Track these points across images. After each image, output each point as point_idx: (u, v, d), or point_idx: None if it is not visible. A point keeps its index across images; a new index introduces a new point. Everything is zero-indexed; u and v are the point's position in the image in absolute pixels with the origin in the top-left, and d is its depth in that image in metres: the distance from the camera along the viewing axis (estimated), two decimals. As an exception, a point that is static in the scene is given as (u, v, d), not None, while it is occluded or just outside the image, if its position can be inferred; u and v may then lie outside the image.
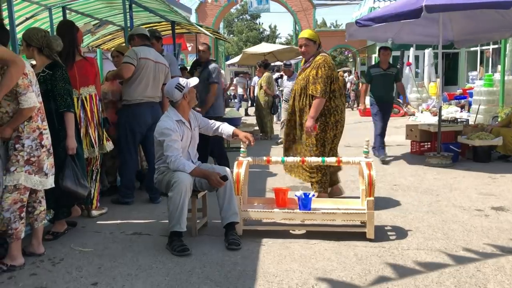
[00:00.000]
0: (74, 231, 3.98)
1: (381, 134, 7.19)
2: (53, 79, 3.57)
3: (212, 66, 6.08)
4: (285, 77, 10.06)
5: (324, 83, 4.25)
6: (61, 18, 5.99)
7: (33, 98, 3.06)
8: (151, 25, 8.50)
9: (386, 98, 7.22)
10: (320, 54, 4.39)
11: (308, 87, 4.31)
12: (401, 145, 8.60)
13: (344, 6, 27.62)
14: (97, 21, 7.55)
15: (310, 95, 4.34)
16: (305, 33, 4.47)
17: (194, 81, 3.79)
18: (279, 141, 9.17)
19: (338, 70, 22.59)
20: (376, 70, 7.23)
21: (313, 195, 3.89)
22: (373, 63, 22.64)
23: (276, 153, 7.92)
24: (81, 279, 3.02)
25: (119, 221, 4.26)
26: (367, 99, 9.36)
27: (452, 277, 2.95)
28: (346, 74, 22.04)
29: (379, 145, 7.19)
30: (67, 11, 6.37)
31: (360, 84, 21.56)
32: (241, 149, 4.00)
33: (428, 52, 16.21)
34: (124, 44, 6.35)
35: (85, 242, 3.72)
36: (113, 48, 6.76)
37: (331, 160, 3.94)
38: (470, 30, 7.63)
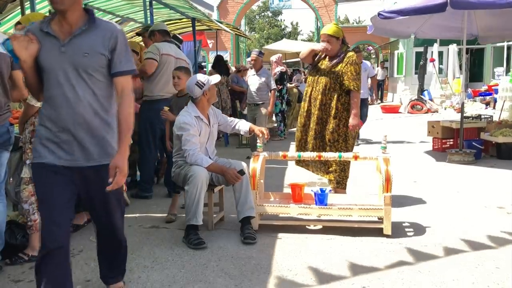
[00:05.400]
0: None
1: None
2: None
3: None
4: (250, 71, 7.79)
5: (360, 80, 4.34)
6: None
7: None
8: (172, 22, 8.59)
9: None
10: (352, 50, 4.40)
11: (349, 84, 4.24)
12: (423, 142, 8.49)
13: (367, 2, 27.21)
14: (118, 19, 7.66)
15: (337, 91, 4.29)
16: (328, 30, 4.34)
17: (215, 78, 3.81)
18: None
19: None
20: None
21: (330, 191, 3.86)
22: (396, 59, 22.26)
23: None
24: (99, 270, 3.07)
25: (137, 215, 4.32)
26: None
27: (470, 274, 2.90)
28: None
29: None
30: (89, 9, 6.48)
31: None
32: (258, 144, 4.01)
33: (452, 48, 15.90)
34: (134, 40, 6.41)
35: (104, 234, 3.78)
36: None
37: (347, 155, 3.91)
38: (495, 26, 7.45)
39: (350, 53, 4.34)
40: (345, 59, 4.31)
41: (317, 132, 4.48)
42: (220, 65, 8.73)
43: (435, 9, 5.78)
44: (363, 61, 8.52)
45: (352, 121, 4.25)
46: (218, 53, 10.92)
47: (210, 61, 24.06)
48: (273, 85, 7.23)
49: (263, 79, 7.08)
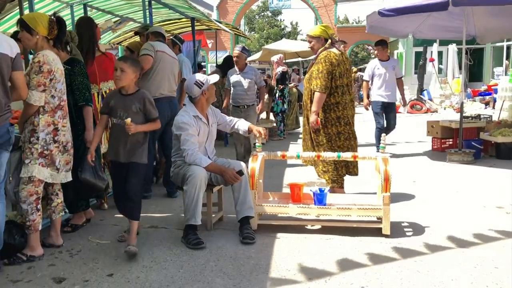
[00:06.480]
0: (92, 224, 4.05)
1: None
2: (71, 73, 3.63)
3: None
4: (233, 71, 6.38)
5: (324, 79, 4.25)
6: (83, 15, 6.10)
7: (36, 97, 3.13)
8: (171, 21, 8.59)
9: None
10: (326, 50, 4.35)
11: (311, 82, 4.33)
12: (422, 142, 8.48)
13: (367, 2, 27.18)
14: (117, 18, 7.66)
15: (311, 90, 4.37)
16: (310, 31, 4.53)
17: (214, 78, 3.80)
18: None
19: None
20: None
21: (329, 190, 3.87)
22: (395, 58, 22.25)
23: (295, 149, 7.89)
24: (98, 270, 3.07)
25: (136, 215, 4.31)
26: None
27: (469, 274, 2.90)
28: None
29: None
30: (88, 8, 6.48)
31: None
32: (256, 144, 4.01)
33: (452, 48, 15.89)
34: (135, 40, 6.40)
35: (103, 234, 3.78)
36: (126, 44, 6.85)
37: (346, 155, 3.90)
38: (493, 26, 7.44)
39: (323, 53, 4.35)
40: (317, 59, 4.37)
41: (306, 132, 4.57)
42: (228, 66, 8.59)
43: (437, 7, 5.78)
44: (390, 57, 7.25)
45: (310, 118, 4.32)
46: (217, 53, 10.93)
47: (209, 61, 24.10)
48: (262, 82, 6.58)
49: (252, 77, 6.19)
